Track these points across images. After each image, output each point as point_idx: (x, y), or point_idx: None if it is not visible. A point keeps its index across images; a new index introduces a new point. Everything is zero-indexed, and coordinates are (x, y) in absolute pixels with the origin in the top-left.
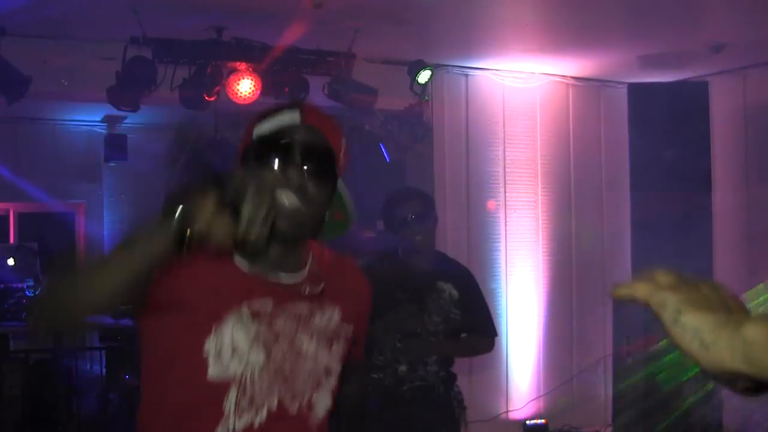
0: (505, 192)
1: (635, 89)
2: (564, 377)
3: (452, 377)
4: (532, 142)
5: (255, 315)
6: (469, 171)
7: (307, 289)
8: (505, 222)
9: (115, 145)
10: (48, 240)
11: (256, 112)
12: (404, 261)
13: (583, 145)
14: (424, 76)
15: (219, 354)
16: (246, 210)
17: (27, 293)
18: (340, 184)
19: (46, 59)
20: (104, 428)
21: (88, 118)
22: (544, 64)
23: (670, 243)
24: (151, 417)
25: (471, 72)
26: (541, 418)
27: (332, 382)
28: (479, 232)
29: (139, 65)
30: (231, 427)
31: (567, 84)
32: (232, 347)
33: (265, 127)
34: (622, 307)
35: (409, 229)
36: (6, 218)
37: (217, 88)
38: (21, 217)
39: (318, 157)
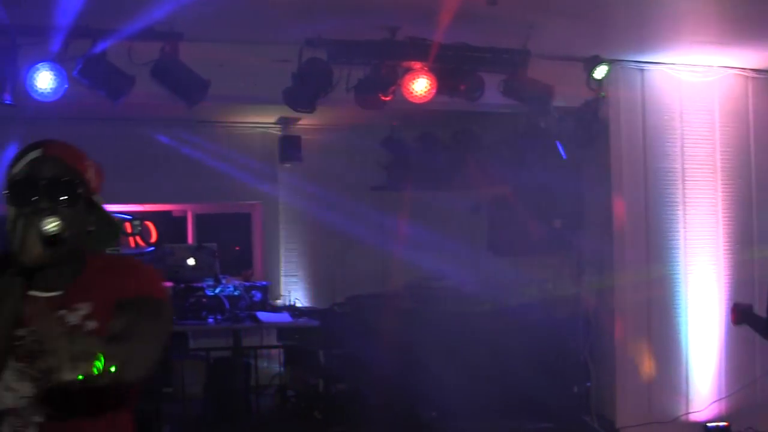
0: (683, 188)
1: None
2: (747, 379)
3: None
4: (710, 137)
5: (19, 355)
6: (647, 167)
7: (61, 298)
8: (684, 219)
9: (290, 146)
10: (224, 240)
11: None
12: None
13: (764, 140)
14: (600, 72)
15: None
16: (15, 242)
17: (207, 292)
18: (98, 199)
19: (223, 63)
20: (282, 424)
21: (263, 120)
22: (721, 56)
23: None
24: None
25: (647, 66)
26: (723, 421)
27: None
28: (657, 230)
29: (315, 67)
30: None
31: (746, 76)
32: (5, 384)
33: (15, 168)
34: None
35: None
36: (184, 219)
37: (393, 87)
38: (198, 219)
39: (61, 183)
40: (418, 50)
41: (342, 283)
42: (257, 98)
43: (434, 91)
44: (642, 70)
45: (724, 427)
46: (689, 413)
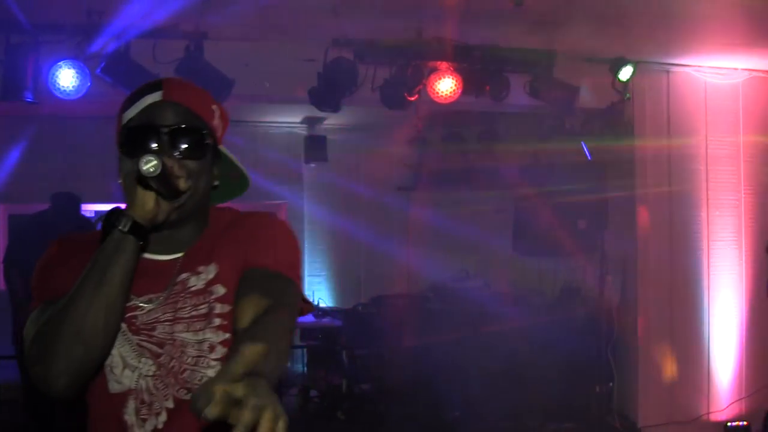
0: (707, 190)
1: None
2: (767, 379)
3: None
4: (734, 139)
5: (136, 327)
6: (671, 169)
7: (181, 260)
8: (708, 221)
9: (315, 146)
10: None
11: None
12: None
13: None
14: (625, 73)
15: (112, 368)
16: (128, 197)
17: None
18: (223, 149)
19: (248, 62)
20: (305, 425)
21: (288, 120)
22: (746, 58)
23: None
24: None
25: (672, 68)
26: (743, 420)
27: (219, 353)
28: (681, 230)
29: (341, 66)
30: None
31: None
32: (121, 361)
33: (129, 113)
34: None
35: None
36: None
37: (419, 87)
38: None
39: (183, 131)
40: (443, 50)
41: (366, 284)
42: (282, 97)
43: (460, 91)
44: (667, 71)
45: (744, 426)
46: (710, 413)
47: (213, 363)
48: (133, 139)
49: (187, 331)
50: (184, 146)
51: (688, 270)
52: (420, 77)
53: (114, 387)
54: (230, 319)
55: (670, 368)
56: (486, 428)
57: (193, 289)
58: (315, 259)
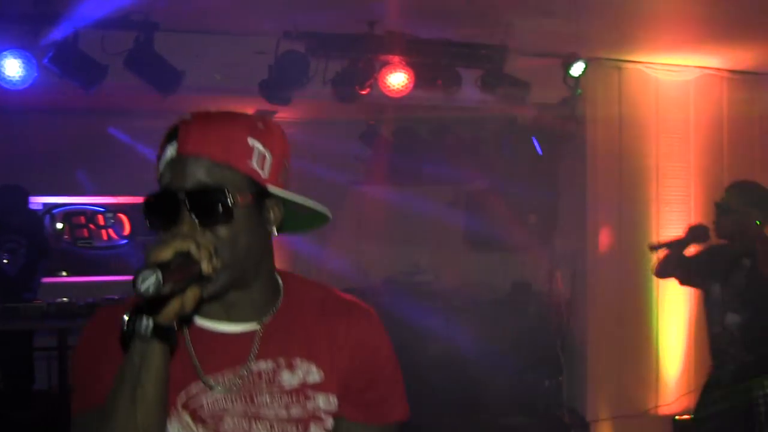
0: (657, 186)
1: None
2: None
3: None
4: (685, 136)
5: (198, 416)
6: (622, 164)
7: (260, 335)
8: (658, 216)
9: None
10: None
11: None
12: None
13: (738, 140)
14: (577, 69)
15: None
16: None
17: None
18: (276, 189)
19: (198, 54)
20: None
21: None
22: (698, 56)
23: None
24: None
25: (624, 65)
26: (691, 414)
27: None
28: (631, 226)
29: (292, 59)
30: None
31: (721, 77)
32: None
33: (160, 166)
34: None
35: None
36: None
37: (370, 81)
38: None
39: (207, 199)
40: (396, 44)
41: (318, 278)
42: (233, 90)
43: (411, 85)
44: (619, 68)
45: (691, 420)
46: (658, 407)
47: None
48: (155, 215)
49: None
50: (204, 212)
51: (637, 265)
52: (371, 71)
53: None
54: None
55: (618, 363)
56: (437, 423)
57: (286, 386)
58: None
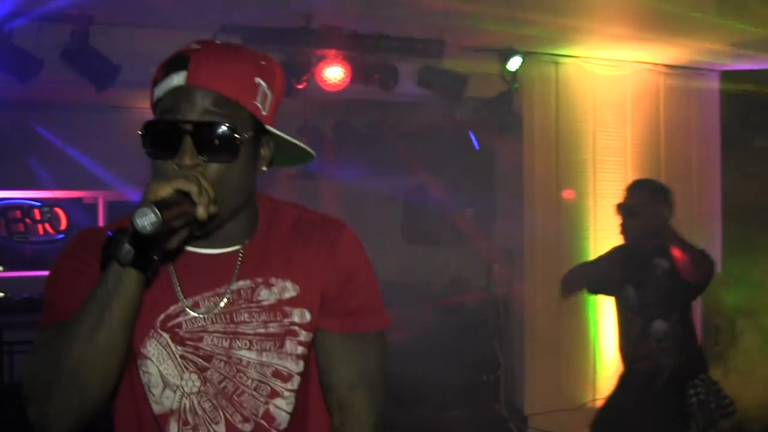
0: (594, 180)
1: (728, 76)
2: None
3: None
4: (622, 130)
5: (179, 337)
6: (559, 158)
7: (241, 256)
8: (595, 210)
9: None
10: None
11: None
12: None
13: (674, 133)
14: (514, 63)
15: (150, 386)
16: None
17: None
18: (272, 129)
19: (134, 48)
20: None
21: None
22: (635, 51)
23: (763, 228)
24: None
25: (561, 59)
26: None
27: (295, 384)
28: (568, 220)
29: None
30: None
31: (658, 72)
32: (161, 380)
33: (157, 91)
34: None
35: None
36: (95, 206)
37: (307, 75)
38: (110, 206)
39: (209, 128)
40: (332, 38)
41: None
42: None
43: (348, 79)
44: (556, 62)
45: None
46: (595, 400)
47: (287, 394)
48: (155, 142)
49: (250, 350)
50: (209, 147)
51: (575, 258)
52: (308, 65)
53: (156, 408)
54: (311, 349)
55: (556, 357)
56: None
57: (264, 303)
58: None
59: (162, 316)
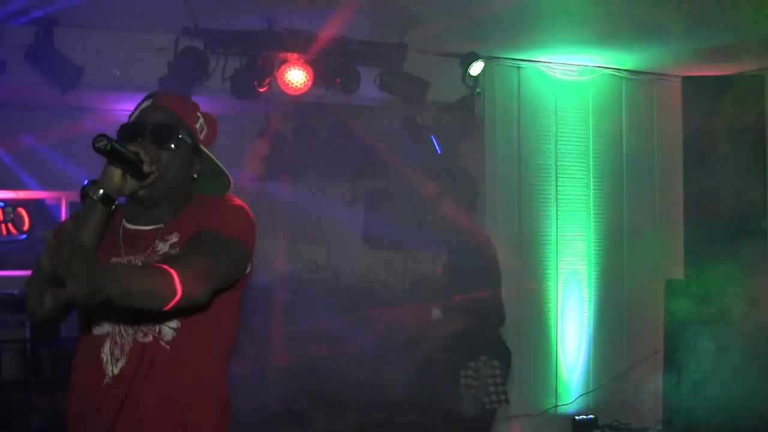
0: (556, 185)
1: (690, 82)
2: (614, 373)
3: None
4: (584, 136)
5: None
6: (521, 163)
7: (162, 230)
8: (557, 215)
9: None
10: None
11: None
12: None
13: (636, 139)
14: (476, 68)
15: (95, 314)
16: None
17: None
18: (206, 151)
19: (98, 50)
20: None
21: None
22: (597, 56)
23: (724, 235)
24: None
25: (523, 64)
26: (591, 414)
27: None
28: (530, 225)
29: (191, 56)
30: (109, 371)
31: (620, 77)
32: (103, 310)
33: (132, 116)
34: (674, 302)
35: None
36: (58, 207)
37: (269, 78)
38: (74, 207)
39: (162, 126)
40: (295, 42)
41: None
42: (133, 86)
43: (310, 83)
44: (518, 67)
45: (591, 419)
46: (557, 406)
47: (166, 313)
48: (127, 133)
49: None
50: (160, 138)
51: (537, 264)
52: (270, 68)
53: (96, 330)
54: None
55: (518, 363)
56: (336, 420)
57: (160, 252)
58: None
59: (110, 263)
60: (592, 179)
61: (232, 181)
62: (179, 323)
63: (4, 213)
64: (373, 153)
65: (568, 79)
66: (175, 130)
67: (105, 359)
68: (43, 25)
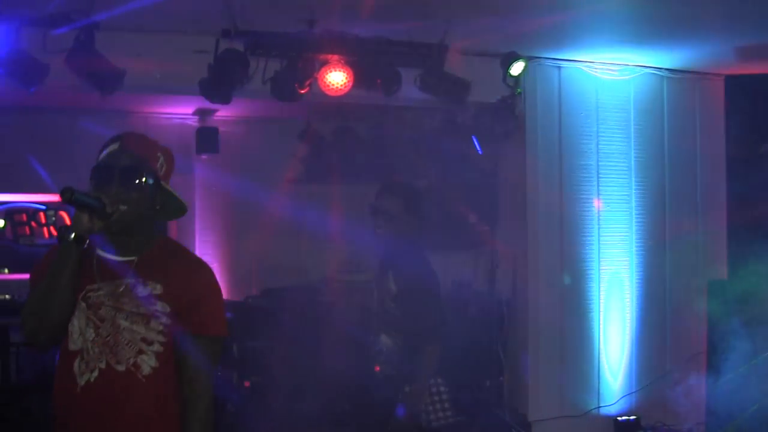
0: (598, 185)
1: (733, 81)
2: (657, 374)
3: None
4: (625, 135)
5: (89, 304)
6: (562, 164)
7: (134, 264)
8: (599, 216)
9: (207, 137)
10: None
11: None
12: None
13: (678, 139)
14: (516, 68)
15: (71, 332)
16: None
17: None
18: (165, 184)
19: (139, 53)
20: None
21: (180, 111)
22: (638, 55)
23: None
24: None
25: (564, 64)
26: (633, 415)
27: (155, 348)
28: (572, 226)
29: (231, 58)
30: (78, 382)
31: (661, 76)
32: (78, 328)
33: (102, 156)
34: (717, 302)
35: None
36: None
37: (309, 80)
38: None
39: (128, 170)
40: (335, 43)
41: (258, 276)
42: (173, 89)
43: (351, 84)
44: (559, 67)
45: (633, 421)
46: (600, 407)
47: (150, 353)
48: (98, 176)
49: (126, 321)
50: (127, 180)
51: (579, 264)
52: (311, 70)
53: (71, 346)
54: (170, 328)
55: (560, 363)
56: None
57: (140, 294)
58: (205, 252)
59: (84, 290)
60: (633, 179)
61: (187, 207)
62: (158, 362)
63: (46, 216)
64: (414, 154)
65: (609, 78)
66: (140, 172)
67: (76, 371)
68: (84, 29)
